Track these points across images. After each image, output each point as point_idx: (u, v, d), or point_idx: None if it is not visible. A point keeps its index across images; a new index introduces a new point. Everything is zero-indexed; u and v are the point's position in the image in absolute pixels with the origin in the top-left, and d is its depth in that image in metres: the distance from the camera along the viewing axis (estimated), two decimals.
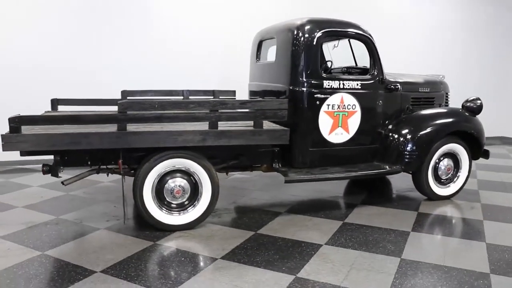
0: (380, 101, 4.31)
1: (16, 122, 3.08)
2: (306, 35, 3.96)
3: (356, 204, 4.49)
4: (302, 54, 3.95)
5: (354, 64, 4.97)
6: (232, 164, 4.01)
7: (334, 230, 3.68)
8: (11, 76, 5.80)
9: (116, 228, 3.68)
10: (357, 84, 4.12)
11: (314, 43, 3.95)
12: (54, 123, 3.35)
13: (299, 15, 4.38)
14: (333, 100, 4.03)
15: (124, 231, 3.61)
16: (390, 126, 4.42)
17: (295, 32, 4.00)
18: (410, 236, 3.56)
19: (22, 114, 3.18)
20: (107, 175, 3.94)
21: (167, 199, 3.58)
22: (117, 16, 6.24)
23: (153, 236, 3.49)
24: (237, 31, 6.65)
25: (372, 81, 4.23)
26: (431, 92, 4.80)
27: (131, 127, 3.48)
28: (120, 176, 3.69)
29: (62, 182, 3.60)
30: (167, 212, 3.58)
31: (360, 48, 4.41)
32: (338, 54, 4.96)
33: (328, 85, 4.01)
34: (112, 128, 3.42)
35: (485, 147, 4.71)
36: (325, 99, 4.00)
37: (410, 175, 4.56)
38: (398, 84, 4.33)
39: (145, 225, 3.66)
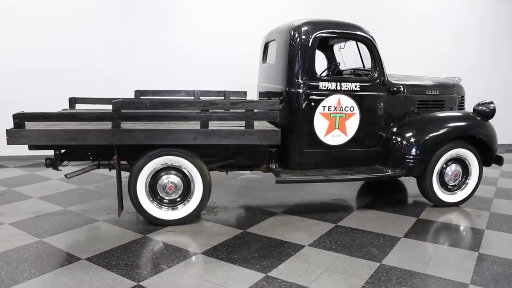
0: (381, 103, 4.21)
1: (20, 118, 3.37)
2: (303, 37, 3.97)
3: (357, 207, 4.42)
4: (298, 55, 3.96)
5: (362, 66, 4.88)
6: (229, 163, 4.09)
7: (323, 232, 3.66)
8: (32, 76, 6.36)
9: (114, 220, 3.89)
10: (356, 86, 4.06)
11: (310, 44, 3.95)
12: (54, 120, 3.61)
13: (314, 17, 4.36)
14: (329, 101, 4.00)
15: (121, 223, 3.81)
16: (392, 129, 4.30)
17: (292, 34, 4.02)
18: (400, 242, 3.46)
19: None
20: (109, 170, 4.16)
21: (160, 194, 3.75)
22: (134, 23, 6.65)
23: (146, 230, 3.66)
24: (254, 32, 6.74)
25: (372, 83, 4.15)
26: (441, 95, 4.60)
27: (127, 125, 3.66)
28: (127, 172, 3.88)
29: (66, 175, 3.86)
30: (158, 207, 3.74)
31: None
32: (347, 55, 4.90)
33: (324, 87, 3.99)
34: (107, 125, 3.62)
35: (503, 154, 4.45)
36: (321, 100, 3.98)
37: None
38: (400, 86, 4.22)
39: (142, 220, 3.84)
